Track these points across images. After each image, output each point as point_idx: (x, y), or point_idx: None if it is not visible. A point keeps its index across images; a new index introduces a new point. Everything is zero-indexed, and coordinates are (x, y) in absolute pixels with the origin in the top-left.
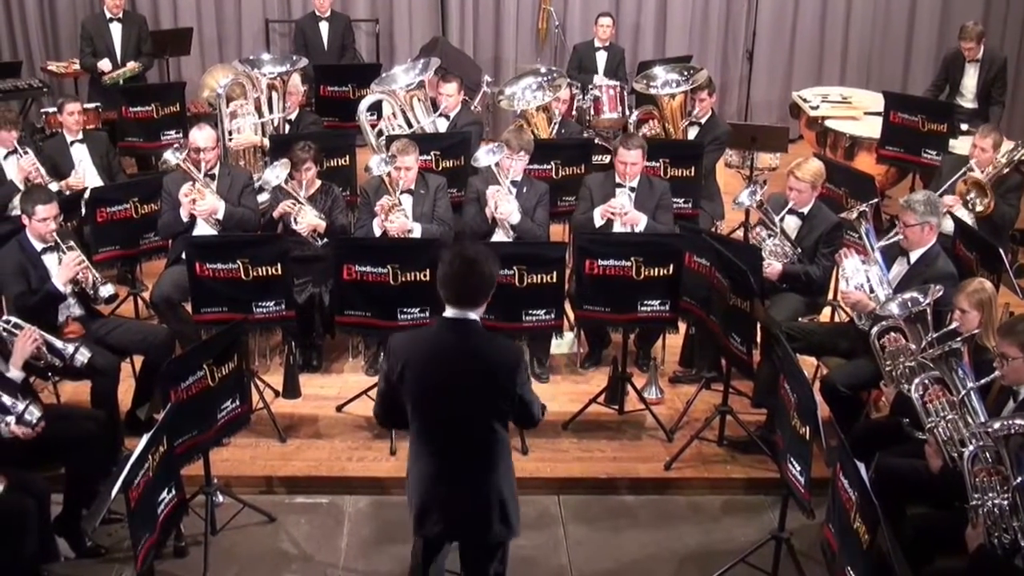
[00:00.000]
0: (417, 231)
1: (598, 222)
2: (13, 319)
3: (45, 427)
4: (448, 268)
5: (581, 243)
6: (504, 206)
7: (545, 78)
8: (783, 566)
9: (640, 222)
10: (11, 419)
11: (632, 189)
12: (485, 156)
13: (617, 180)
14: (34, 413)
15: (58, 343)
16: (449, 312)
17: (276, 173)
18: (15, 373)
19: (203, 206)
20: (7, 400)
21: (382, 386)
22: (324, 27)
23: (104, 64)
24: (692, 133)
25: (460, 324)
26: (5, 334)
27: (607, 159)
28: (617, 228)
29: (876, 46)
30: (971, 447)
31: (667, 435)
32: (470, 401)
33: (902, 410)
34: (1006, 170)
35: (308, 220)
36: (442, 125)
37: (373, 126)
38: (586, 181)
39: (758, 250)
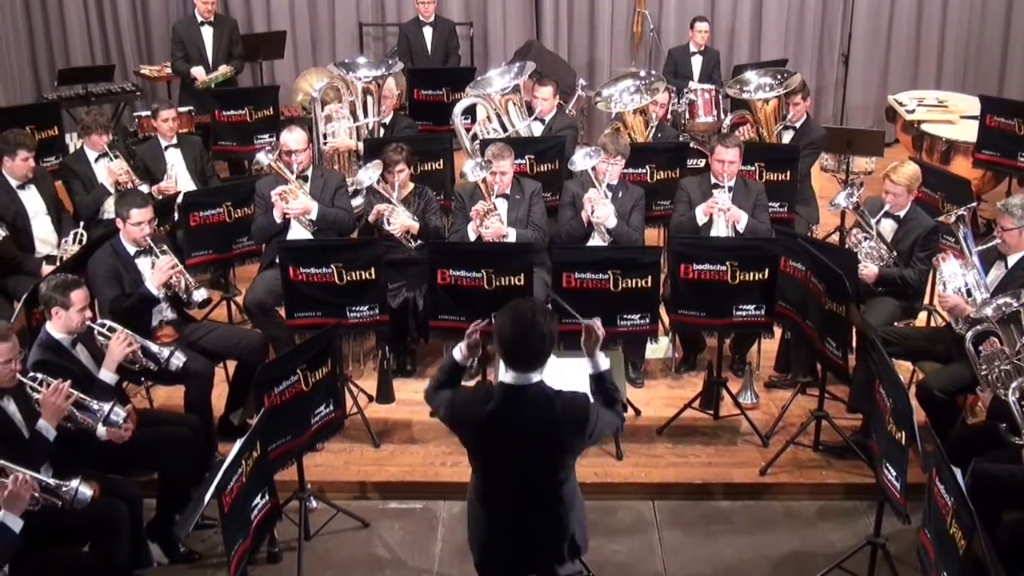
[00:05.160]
0: (512, 236)
1: (701, 219)
2: (108, 322)
3: (139, 433)
4: (506, 332)
5: (676, 247)
6: (600, 210)
7: (643, 82)
8: (879, 572)
9: (742, 219)
10: (101, 428)
11: (729, 189)
12: (582, 160)
13: (713, 181)
14: (119, 414)
15: (153, 347)
16: (508, 377)
17: (369, 174)
18: (109, 376)
19: (295, 205)
20: (94, 404)
21: (448, 396)
22: (428, 32)
23: (197, 71)
24: (787, 137)
25: (521, 392)
26: (100, 338)
27: (702, 163)
28: (719, 226)
29: (972, 49)
30: None
31: (762, 440)
32: (536, 463)
33: (999, 415)
34: None
35: (401, 221)
36: (537, 129)
37: (467, 130)
38: (682, 184)
39: (853, 254)
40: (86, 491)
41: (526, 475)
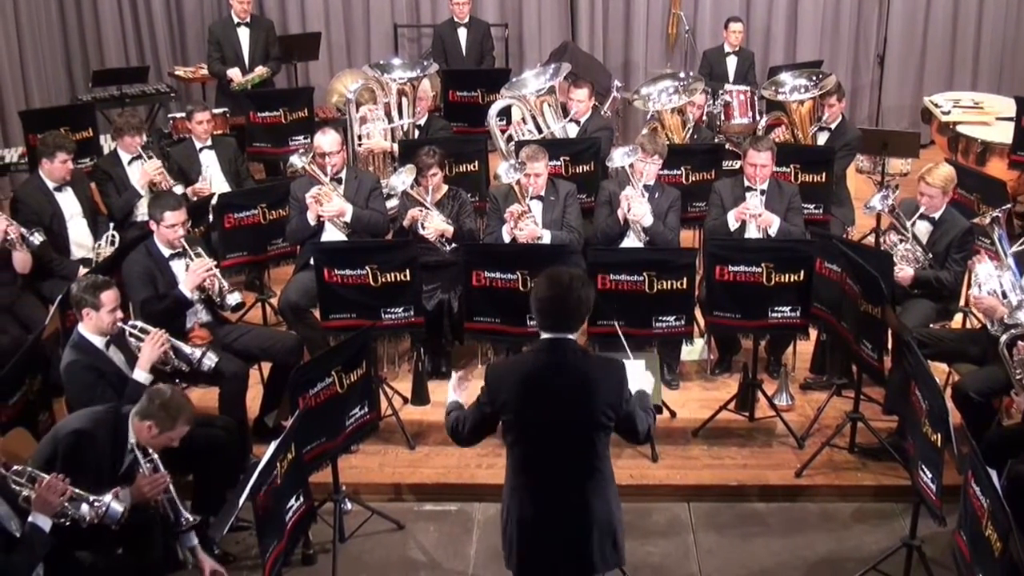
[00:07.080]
0: (547, 238)
1: (732, 225)
2: (139, 323)
3: None
4: (542, 293)
5: (712, 249)
6: (637, 208)
7: (682, 83)
8: (914, 574)
9: (774, 224)
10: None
11: (762, 192)
12: (620, 157)
13: (746, 184)
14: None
15: (185, 348)
16: (545, 335)
17: (402, 179)
18: (143, 376)
19: (330, 208)
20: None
21: (476, 413)
22: (463, 33)
23: (234, 73)
24: (822, 139)
25: (557, 344)
26: (132, 339)
27: (737, 164)
28: (751, 230)
29: (1008, 50)
30: None
31: (798, 442)
32: (573, 420)
33: None
34: None
35: (435, 225)
36: (572, 131)
37: (503, 131)
38: (715, 187)
39: (889, 256)
40: (117, 507)
41: (563, 436)
